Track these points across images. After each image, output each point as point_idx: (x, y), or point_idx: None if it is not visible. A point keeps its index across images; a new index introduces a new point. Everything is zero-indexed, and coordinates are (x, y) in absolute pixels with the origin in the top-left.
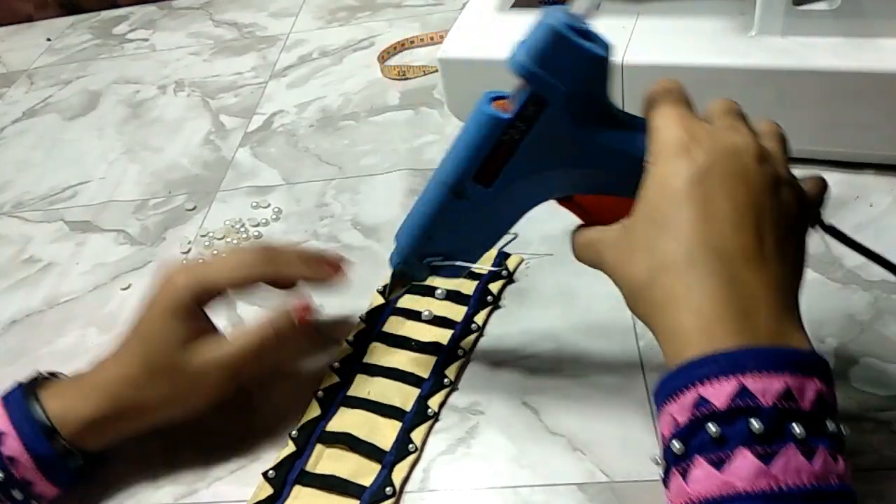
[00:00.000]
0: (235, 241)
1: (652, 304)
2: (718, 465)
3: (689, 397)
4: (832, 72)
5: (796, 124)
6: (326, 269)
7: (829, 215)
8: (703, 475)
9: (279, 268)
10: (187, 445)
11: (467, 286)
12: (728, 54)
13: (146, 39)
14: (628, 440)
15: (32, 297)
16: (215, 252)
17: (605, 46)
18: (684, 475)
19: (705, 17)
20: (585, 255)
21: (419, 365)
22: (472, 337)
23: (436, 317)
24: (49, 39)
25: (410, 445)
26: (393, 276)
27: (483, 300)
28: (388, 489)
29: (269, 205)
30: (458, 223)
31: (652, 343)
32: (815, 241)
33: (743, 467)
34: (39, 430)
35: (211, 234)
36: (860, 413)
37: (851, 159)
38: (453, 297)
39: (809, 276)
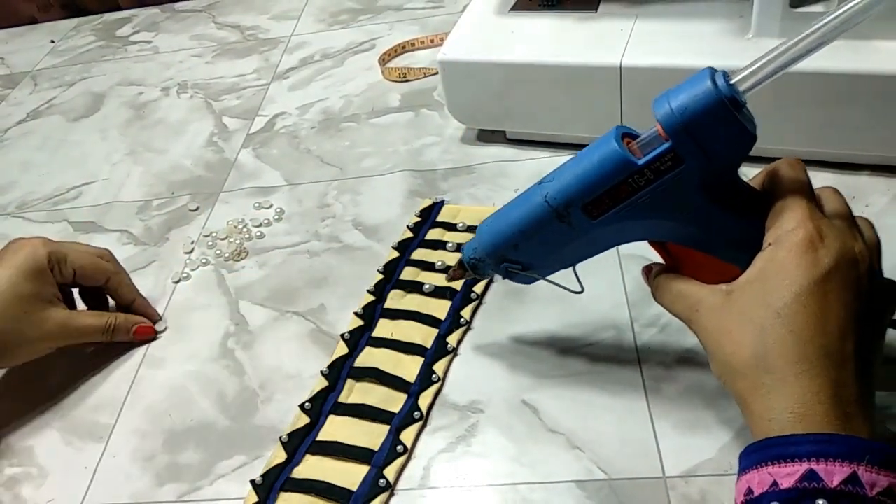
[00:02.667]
0: (238, 242)
1: (755, 384)
2: None
3: (800, 468)
4: (829, 73)
5: (793, 125)
6: (150, 316)
7: None
8: None
9: (121, 283)
10: (189, 443)
11: None
12: (726, 57)
13: (149, 41)
14: (627, 438)
15: None
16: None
17: (754, 123)
18: None
19: (703, 19)
20: (673, 305)
21: (436, 309)
22: (485, 282)
23: (437, 287)
24: (53, 41)
25: (434, 376)
26: (459, 264)
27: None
28: (416, 413)
29: (271, 205)
30: (549, 242)
31: (650, 342)
32: None
33: None
34: None
35: (214, 235)
36: None
37: (847, 160)
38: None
39: None
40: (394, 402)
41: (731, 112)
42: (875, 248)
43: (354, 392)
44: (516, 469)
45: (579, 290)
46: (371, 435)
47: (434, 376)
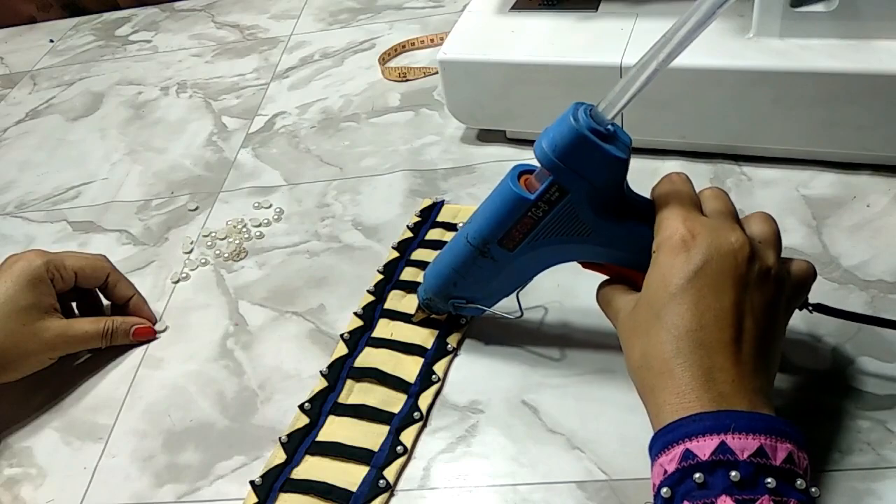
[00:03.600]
0: (238, 242)
1: (643, 383)
2: None
3: (677, 451)
4: (829, 73)
5: (794, 125)
6: (146, 315)
7: (827, 215)
8: None
9: (119, 279)
10: (189, 443)
11: None
12: (726, 56)
13: (149, 41)
14: (627, 438)
15: None
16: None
17: (626, 147)
18: None
19: None
20: (606, 312)
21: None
22: None
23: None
24: (52, 41)
25: (433, 376)
26: (419, 305)
27: None
28: (416, 414)
29: (270, 205)
30: (481, 276)
31: None
32: (813, 241)
33: None
34: None
35: (213, 235)
36: (857, 412)
37: (848, 160)
38: None
39: None
40: (394, 402)
41: (594, 143)
42: (770, 239)
43: (354, 392)
44: (516, 469)
45: (519, 315)
46: (371, 435)
47: (434, 376)
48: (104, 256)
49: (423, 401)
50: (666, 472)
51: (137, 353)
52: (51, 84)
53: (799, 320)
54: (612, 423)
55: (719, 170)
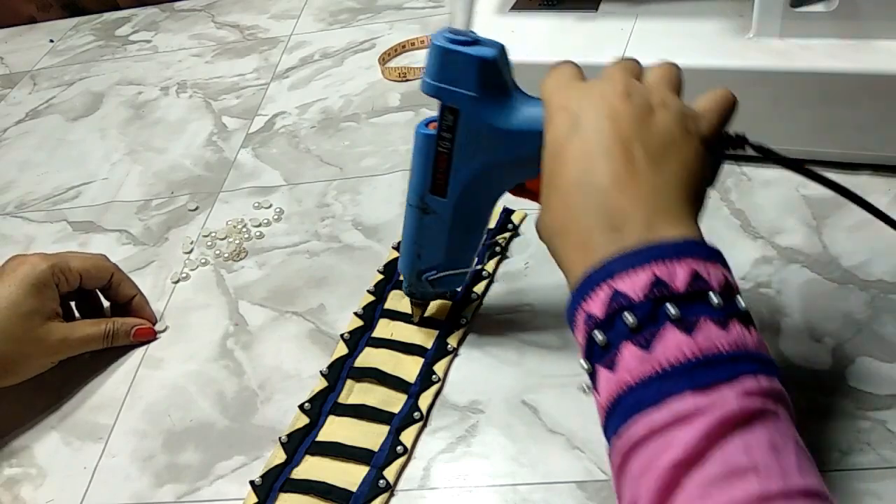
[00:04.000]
0: (237, 242)
1: (554, 253)
2: (611, 367)
3: (580, 319)
4: (829, 73)
5: (794, 125)
6: (147, 316)
7: (827, 215)
8: (603, 380)
9: (123, 279)
10: (189, 443)
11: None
12: (726, 56)
13: (149, 41)
14: None
15: None
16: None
17: (496, 47)
18: (595, 386)
19: (704, 18)
20: (540, 236)
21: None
22: (485, 283)
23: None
24: (52, 41)
25: (434, 376)
26: (412, 304)
27: (492, 252)
28: (416, 414)
29: (270, 205)
30: (434, 236)
31: None
32: (813, 241)
33: (628, 360)
34: None
35: (213, 235)
36: (857, 412)
37: (848, 160)
38: None
39: (807, 275)
40: (394, 402)
41: (454, 50)
42: (658, 78)
43: (354, 392)
44: (516, 469)
45: (479, 268)
46: (371, 435)
47: (434, 377)
48: (105, 256)
49: (424, 401)
50: (579, 343)
51: (137, 353)
52: (51, 84)
53: (799, 320)
54: None
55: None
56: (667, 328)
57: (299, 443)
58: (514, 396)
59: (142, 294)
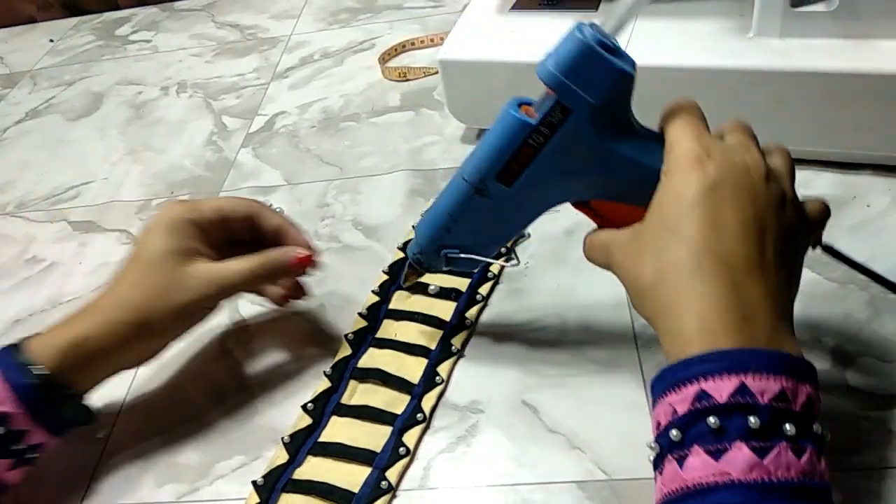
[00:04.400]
0: None
1: (658, 303)
2: (716, 455)
3: (690, 390)
4: (830, 73)
5: (794, 125)
6: (303, 243)
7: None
8: (699, 463)
9: (263, 210)
10: (189, 443)
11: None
12: (726, 56)
13: (149, 41)
14: (627, 438)
15: (35, 297)
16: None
17: (632, 64)
18: (680, 462)
19: (704, 18)
20: (596, 256)
21: (441, 310)
22: (490, 284)
23: (442, 288)
24: (52, 41)
25: (437, 378)
26: (409, 265)
27: (497, 254)
28: (419, 415)
29: (270, 205)
30: (477, 219)
31: (650, 342)
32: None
33: (739, 459)
34: (16, 362)
35: None
36: (858, 412)
37: (849, 160)
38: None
39: (807, 275)
40: (397, 403)
41: (601, 54)
42: (787, 169)
43: (357, 393)
44: (516, 469)
45: (515, 262)
46: (373, 436)
47: (438, 378)
48: (248, 199)
49: (427, 402)
50: (676, 412)
51: None
52: (51, 84)
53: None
54: (612, 423)
55: None
56: (782, 445)
57: (301, 443)
58: (515, 396)
59: (290, 223)
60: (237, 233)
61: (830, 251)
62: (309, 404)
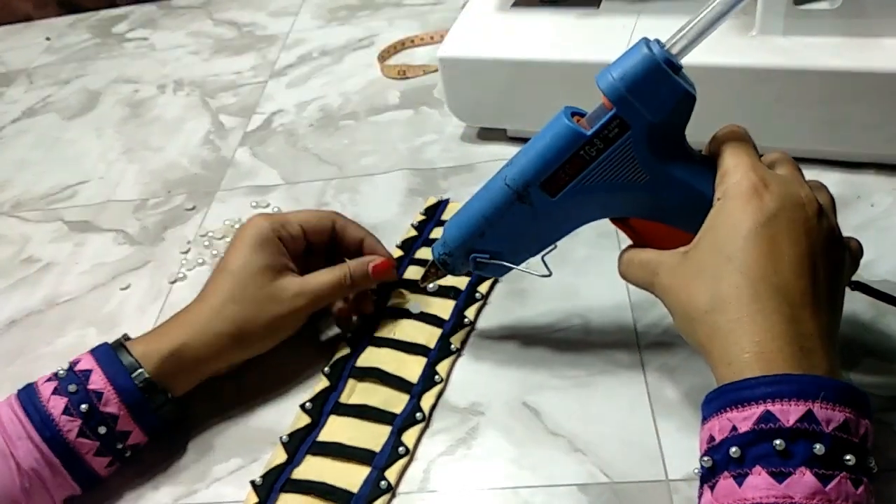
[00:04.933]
0: None
1: (713, 329)
2: (779, 477)
3: (756, 410)
4: (833, 71)
5: (797, 124)
6: (383, 253)
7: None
8: (763, 483)
9: (347, 223)
10: (186, 446)
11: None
12: (729, 54)
13: (145, 38)
14: (629, 441)
15: (31, 296)
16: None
17: (692, 85)
18: (739, 480)
19: None
20: (636, 274)
21: (440, 308)
22: (489, 282)
23: (441, 287)
24: (48, 38)
25: (437, 377)
26: (431, 264)
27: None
28: (418, 414)
29: (268, 204)
30: (513, 225)
31: (653, 343)
32: None
33: (802, 484)
34: (122, 366)
35: (210, 234)
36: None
37: (852, 159)
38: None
39: None
40: (396, 402)
41: (668, 73)
42: (829, 206)
43: (356, 392)
44: (517, 472)
45: (548, 273)
46: (372, 436)
47: (437, 377)
48: (331, 211)
49: (426, 401)
50: (737, 429)
51: None
52: (47, 82)
53: None
54: (614, 426)
55: None
56: (843, 475)
57: (300, 442)
58: (515, 398)
59: (371, 235)
60: (318, 244)
61: (862, 288)
62: (307, 403)
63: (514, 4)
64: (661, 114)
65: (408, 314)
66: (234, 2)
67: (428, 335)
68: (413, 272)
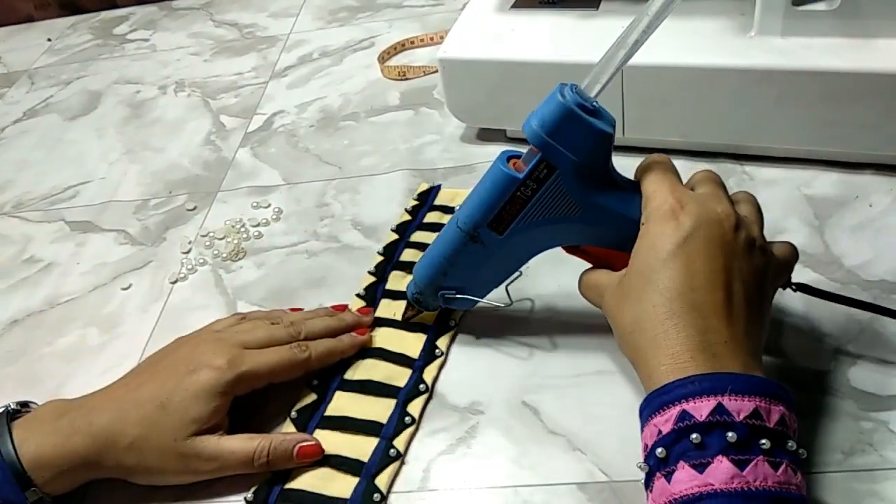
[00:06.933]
0: (236, 242)
1: (636, 347)
2: (700, 468)
3: (673, 412)
4: (831, 72)
5: (796, 124)
6: (350, 329)
7: (829, 215)
8: (686, 476)
9: (311, 360)
10: None
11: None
12: (728, 55)
13: (147, 40)
14: (628, 440)
15: (33, 297)
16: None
17: (612, 123)
18: (668, 478)
19: (705, 17)
20: (589, 295)
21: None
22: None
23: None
24: (50, 40)
25: (437, 350)
26: (408, 303)
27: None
28: (421, 386)
29: (269, 205)
30: (471, 263)
31: None
32: (815, 241)
33: (720, 471)
34: (12, 476)
35: (211, 235)
36: (859, 413)
37: (851, 159)
38: None
39: (810, 276)
40: (399, 377)
41: (580, 117)
42: (755, 216)
43: (360, 369)
44: (517, 471)
45: (509, 303)
46: (378, 408)
47: (437, 351)
48: (293, 351)
49: (428, 374)
50: (661, 432)
51: (136, 353)
52: (48, 83)
53: (801, 321)
54: (613, 425)
55: (721, 169)
56: (759, 458)
57: (309, 418)
58: (515, 397)
59: (332, 339)
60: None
61: (803, 288)
62: (314, 381)
63: (514, 6)
64: (582, 154)
65: (406, 295)
66: (235, 3)
67: (427, 314)
68: (409, 255)
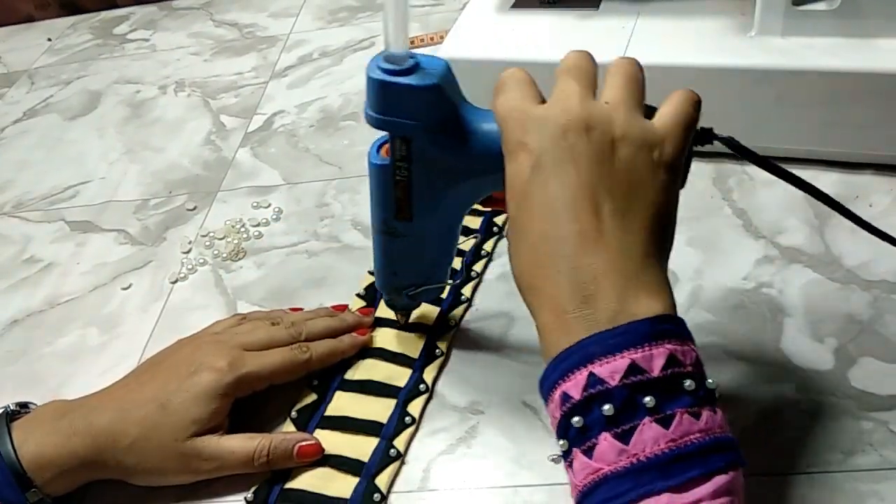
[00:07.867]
0: (236, 241)
1: (529, 307)
2: (589, 453)
3: (556, 397)
4: (831, 72)
5: (796, 125)
6: (348, 333)
7: (829, 215)
8: (579, 466)
9: (311, 361)
10: None
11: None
12: (728, 54)
13: (147, 39)
14: None
15: (33, 296)
16: (244, 319)
17: (437, 69)
18: (570, 464)
19: (705, 17)
20: (515, 281)
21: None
22: (483, 261)
23: None
24: (50, 39)
25: (437, 350)
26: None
27: (478, 256)
28: (421, 386)
29: (269, 205)
30: (409, 256)
31: None
32: (816, 241)
33: (606, 451)
34: (12, 477)
35: (211, 234)
36: (859, 412)
37: (851, 159)
38: None
39: (809, 275)
40: (399, 377)
41: (393, 82)
42: (619, 97)
43: (360, 369)
44: (517, 471)
45: (459, 280)
46: (379, 408)
47: (438, 351)
48: (293, 353)
49: (428, 374)
50: (555, 419)
51: (136, 354)
52: (48, 83)
53: (801, 321)
54: None
55: (721, 169)
56: (644, 422)
57: (309, 418)
58: (515, 397)
59: (333, 340)
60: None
61: (730, 144)
62: (314, 381)
63: (514, 5)
64: (422, 115)
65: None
66: (235, 3)
67: (427, 315)
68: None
